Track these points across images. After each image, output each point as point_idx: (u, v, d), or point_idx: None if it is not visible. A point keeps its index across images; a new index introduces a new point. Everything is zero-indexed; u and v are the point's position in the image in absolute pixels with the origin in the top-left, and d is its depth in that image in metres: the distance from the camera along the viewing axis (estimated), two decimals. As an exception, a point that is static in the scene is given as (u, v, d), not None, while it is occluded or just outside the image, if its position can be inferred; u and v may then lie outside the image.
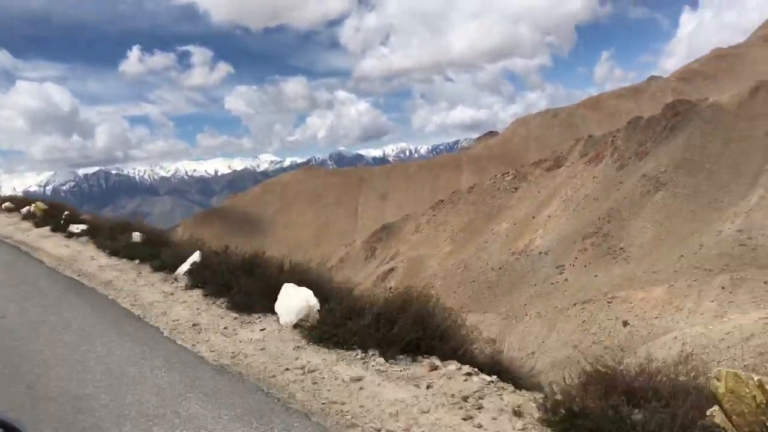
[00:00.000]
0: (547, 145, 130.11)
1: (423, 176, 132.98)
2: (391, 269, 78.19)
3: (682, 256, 57.76)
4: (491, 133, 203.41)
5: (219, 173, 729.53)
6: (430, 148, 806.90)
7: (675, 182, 67.34)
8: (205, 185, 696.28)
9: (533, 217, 77.39)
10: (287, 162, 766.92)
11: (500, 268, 69.08)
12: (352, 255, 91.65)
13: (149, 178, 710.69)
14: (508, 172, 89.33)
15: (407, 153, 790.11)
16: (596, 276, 62.11)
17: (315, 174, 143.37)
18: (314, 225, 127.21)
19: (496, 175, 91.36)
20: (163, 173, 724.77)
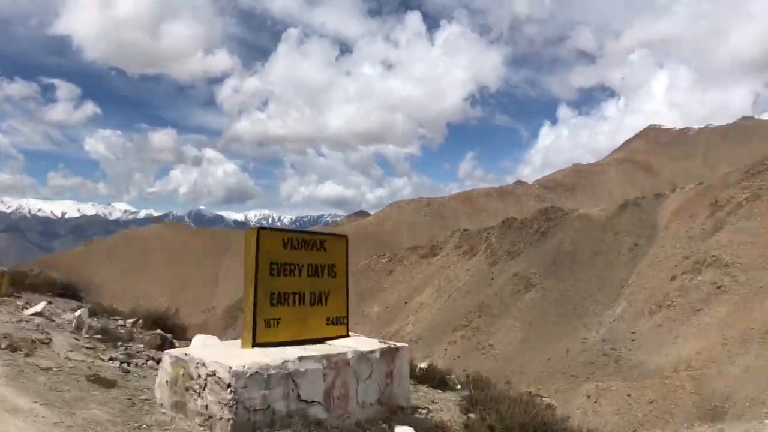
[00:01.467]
0: (419, 232, 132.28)
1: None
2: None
3: (549, 359, 58.52)
4: (362, 213, 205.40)
5: (66, 216, 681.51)
6: (294, 218, 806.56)
7: (544, 285, 69.20)
8: (48, 226, 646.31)
9: (405, 303, 76.44)
10: (142, 214, 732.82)
11: (369, 353, 66.70)
12: (210, 323, 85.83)
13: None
14: (384, 254, 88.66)
15: (270, 220, 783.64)
16: (464, 371, 61.29)
17: (179, 231, 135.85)
18: (170, 285, 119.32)
19: (372, 256, 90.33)
20: (2, 208, 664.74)
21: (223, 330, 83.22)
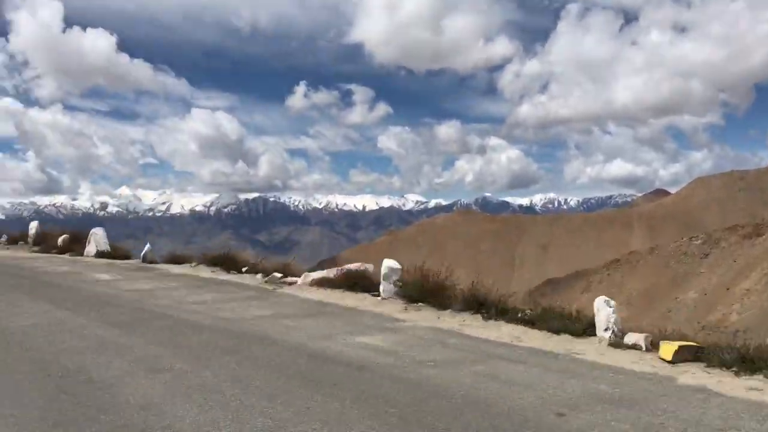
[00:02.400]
0: (731, 209, 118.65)
1: (588, 230, 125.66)
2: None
3: None
4: (660, 192, 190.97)
5: (367, 209, 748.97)
6: (580, 200, 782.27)
7: None
8: (352, 219, 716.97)
9: (727, 289, 68.98)
10: (432, 203, 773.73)
11: (689, 343, 61.65)
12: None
13: (302, 207, 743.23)
14: (697, 236, 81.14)
15: (555, 204, 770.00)
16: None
17: (471, 218, 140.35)
18: (468, 271, 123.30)
19: (682, 238, 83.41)
20: (315, 204, 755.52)
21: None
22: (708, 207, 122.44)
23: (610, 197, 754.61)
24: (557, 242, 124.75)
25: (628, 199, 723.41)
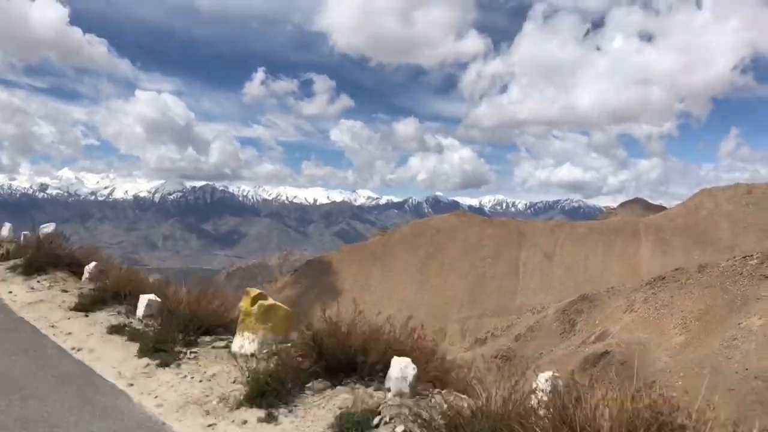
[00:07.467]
0: (742, 224, 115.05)
1: (593, 239, 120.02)
2: (605, 353, 65.23)
3: None
4: (639, 201, 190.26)
5: (317, 202, 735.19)
6: (528, 203, 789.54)
7: None
8: (303, 212, 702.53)
9: (800, 316, 62.86)
10: (384, 200, 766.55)
11: (772, 378, 55.01)
12: (543, 325, 79.68)
13: (252, 198, 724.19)
14: (752, 255, 75.07)
15: (504, 206, 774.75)
16: None
17: (469, 221, 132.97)
18: (470, 277, 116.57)
19: (734, 257, 77.30)
20: (265, 195, 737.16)
21: (559, 335, 76.60)
22: (717, 221, 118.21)
23: (557, 202, 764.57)
24: (562, 251, 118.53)
25: (575, 204, 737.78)
